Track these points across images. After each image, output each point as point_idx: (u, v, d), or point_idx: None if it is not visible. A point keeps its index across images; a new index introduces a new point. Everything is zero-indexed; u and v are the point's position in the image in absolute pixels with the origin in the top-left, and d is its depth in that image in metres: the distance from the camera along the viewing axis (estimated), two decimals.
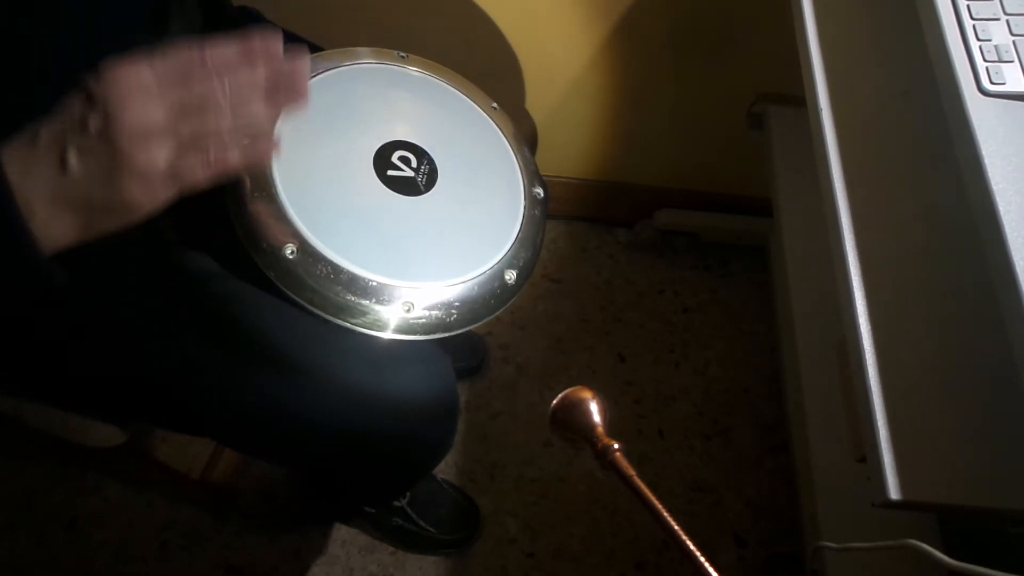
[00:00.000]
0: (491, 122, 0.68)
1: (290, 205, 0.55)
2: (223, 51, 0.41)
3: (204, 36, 0.65)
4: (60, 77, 0.53)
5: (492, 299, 0.60)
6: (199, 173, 0.42)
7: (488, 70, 1.16)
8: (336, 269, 0.54)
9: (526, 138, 0.69)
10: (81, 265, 0.45)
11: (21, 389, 0.73)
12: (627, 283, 1.42)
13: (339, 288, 0.54)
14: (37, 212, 0.40)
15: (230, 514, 1.15)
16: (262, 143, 0.43)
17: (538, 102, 1.23)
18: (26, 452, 1.17)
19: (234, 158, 0.42)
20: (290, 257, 0.53)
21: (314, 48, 0.68)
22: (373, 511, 1.10)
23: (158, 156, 0.40)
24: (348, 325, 0.56)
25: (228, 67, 0.41)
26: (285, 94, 0.42)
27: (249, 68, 0.42)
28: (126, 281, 0.62)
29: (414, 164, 0.62)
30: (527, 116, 1.26)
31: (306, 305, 0.55)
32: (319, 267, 0.54)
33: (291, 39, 0.75)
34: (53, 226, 0.40)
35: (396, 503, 1.08)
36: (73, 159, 0.39)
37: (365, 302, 0.55)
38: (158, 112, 0.40)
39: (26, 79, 0.52)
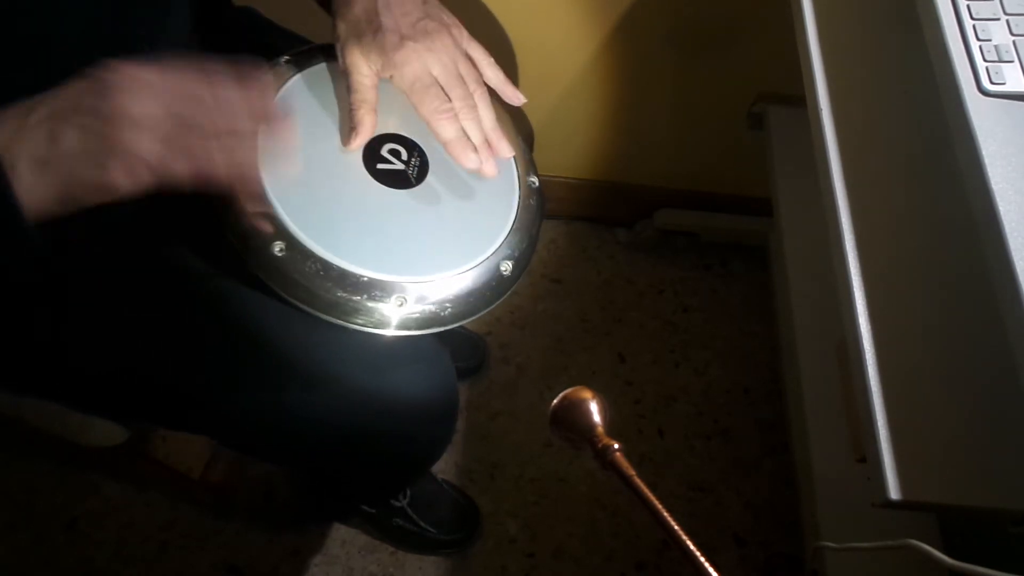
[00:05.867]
0: None
1: (278, 202, 0.54)
2: (219, 68, 0.47)
3: (204, 36, 0.65)
4: (60, 76, 0.53)
5: (488, 291, 0.59)
6: (180, 168, 0.44)
7: None
8: (326, 266, 0.53)
9: (520, 129, 0.68)
10: (64, 247, 0.48)
11: (21, 386, 0.73)
12: (627, 283, 1.42)
13: (330, 285, 0.53)
14: (21, 174, 0.42)
15: (230, 514, 1.15)
16: (244, 153, 0.46)
17: (537, 102, 1.23)
18: (26, 452, 1.17)
19: (216, 160, 0.45)
20: (279, 255, 0.52)
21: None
22: (373, 511, 1.10)
23: (142, 142, 0.43)
24: (340, 322, 0.55)
25: (223, 84, 0.46)
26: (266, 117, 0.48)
27: (240, 89, 0.47)
28: (120, 278, 0.62)
29: (404, 157, 0.61)
30: (525, 116, 1.25)
31: (297, 303, 0.54)
32: (308, 264, 0.53)
33: (290, 38, 0.75)
34: (34, 190, 0.43)
35: (396, 503, 1.08)
36: (65, 133, 0.42)
37: (357, 298, 0.54)
38: (151, 106, 0.43)
39: (25, 79, 0.52)
